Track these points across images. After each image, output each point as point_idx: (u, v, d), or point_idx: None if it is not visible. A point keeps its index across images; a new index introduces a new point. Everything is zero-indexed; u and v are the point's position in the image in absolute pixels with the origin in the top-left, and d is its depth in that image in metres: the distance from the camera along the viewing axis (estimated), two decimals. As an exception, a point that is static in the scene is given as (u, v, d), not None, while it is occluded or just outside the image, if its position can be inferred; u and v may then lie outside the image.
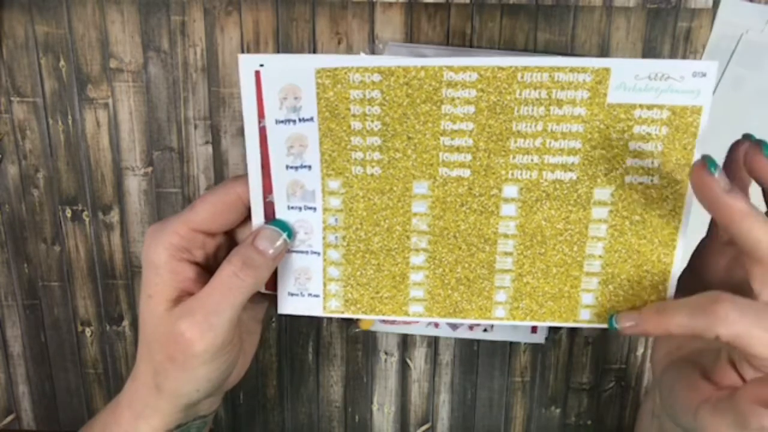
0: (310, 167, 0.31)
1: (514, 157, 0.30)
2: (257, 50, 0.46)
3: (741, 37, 0.44)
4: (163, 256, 0.31)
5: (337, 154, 0.31)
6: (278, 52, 0.46)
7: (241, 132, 0.47)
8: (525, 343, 0.52)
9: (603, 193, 0.31)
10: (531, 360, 0.52)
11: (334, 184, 0.31)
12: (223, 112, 0.47)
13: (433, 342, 0.52)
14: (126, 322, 0.52)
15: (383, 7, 0.45)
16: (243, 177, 0.32)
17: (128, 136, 0.48)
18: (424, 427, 0.54)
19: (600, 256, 0.32)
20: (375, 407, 0.54)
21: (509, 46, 0.45)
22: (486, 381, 0.53)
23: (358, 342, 0.52)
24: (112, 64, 0.46)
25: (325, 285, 0.33)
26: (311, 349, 0.52)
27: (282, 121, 0.30)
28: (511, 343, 0.52)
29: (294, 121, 0.30)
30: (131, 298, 0.51)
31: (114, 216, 0.49)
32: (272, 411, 0.54)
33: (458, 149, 0.30)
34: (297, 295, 0.33)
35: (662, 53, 0.45)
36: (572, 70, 0.29)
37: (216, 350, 0.31)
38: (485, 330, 0.51)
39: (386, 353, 0.52)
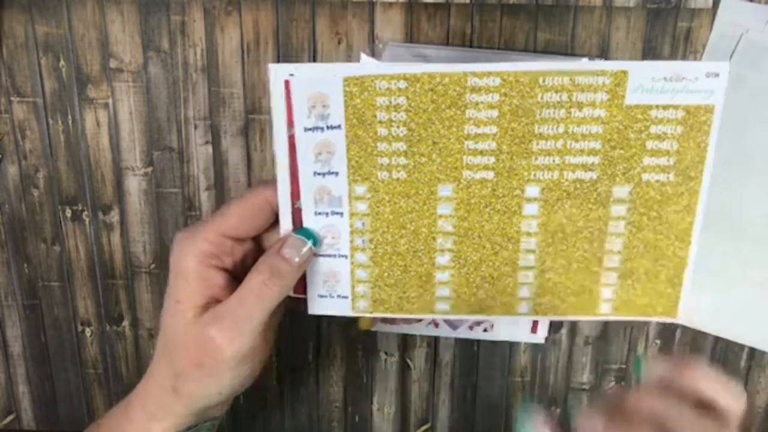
0: (337, 173, 0.32)
1: (536, 159, 0.31)
2: (257, 50, 0.46)
3: (741, 37, 0.44)
4: (193, 262, 0.32)
5: (364, 160, 0.32)
6: (278, 52, 0.46)
7: (240, 132, 0.47)
8: (525, 343, 0.52)
9: (622, 191, 0.32)
10: (531, 360, 0.52)
11: (360, 189, 0.32)
12: (223, 112, 0.47)
13: (433, 342, 0.52)
14: (126, 322, 0.52)
15: (383, 7, 0.45)
16: (271, 183, 0.33)
17: (128, 136, 0.48)
18: (424, 427, 0.54)
19: (618, 252, 0.33)
20: (375, 407, 0.54)
21: (509, 46, 0.45)
22: (486, 381, 0.53)
23: (358, 342, 0.52)
24: (112, 64, 0.46)
25: (353, 286, 0.34)
26: (311, 349, 0.52)
27: (310, 129, 0.31)
28: (511, 343, 0.52)
29: (322, 129, 0.31)
30: (131, 298, 0.51)
31: (114, 216, 0.49)
32: (272, 411, 0.54)
33: (482, 152, 0.31)
34: (326, 296, 0.34)
35: (662, 53, 0.45)
36: (592, 73, 0.30)
37: (243, 356, 0.31)
38: (485, 330, 0.51)
39: (386, 353, 0.52)
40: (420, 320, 0.50)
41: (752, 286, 0.48)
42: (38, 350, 0.53)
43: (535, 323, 0.51)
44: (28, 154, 0.48)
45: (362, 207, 0.33)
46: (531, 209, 0.32)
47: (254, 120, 0.47)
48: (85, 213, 0.49)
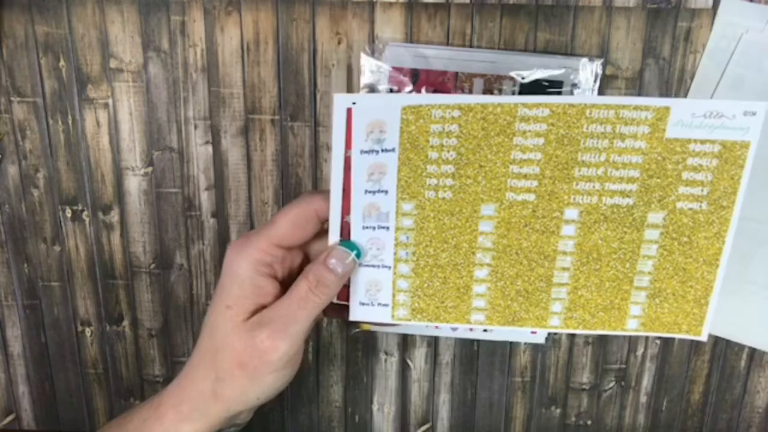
0: (386, 192, 0.34)
1: (577, 184, 0.33)
2: (257, 50, 0.46)
3: (741, 37, 0.44)
4: (248, 270, 0.33)
5: (413, 180, 0.34)
6: (278, 52, 0.46)
7: (240, 132, 0.47)
8: (525, 343, 0.52)
9: (656, 217, 0.34)
10: (531, 360, 0.52)
11: (407, 206, 0.34)
12: (223, 112, 0.47)
13: (433, 342, 0.52)
14: (126, 322, 0.52)
15: (383, 7, 0.45)
16: (318, 193, 0.35)
17: (128, 136, 0.48)
18: (424, 427, 0.54)
19: (649, 273, 0.35)
20: (375, 407, 0.54)
21: (509, 46, 0.45)
22: (486, 381, 0.53)
23: (358, 342, 0.52)
24: (112, 64, 0.46)
25: (394, 295, 0.36)
26: (311, 349, 0.52)
27: (366, 152, 0.33)
28: (511, 343, 0.52)
29: (377, 152, 0.33)
30: (131, 298, 0.51)
31: (114, 216, 0.49)
32: (272, 411, 0.54)
33: (525, 176, 0.33)
34: (368, 304, 0.36)
35: (662, 53, 0.45)
36: (636, 108, 0.32)
37: (288, 359, 0.33)
38: (485, 330, 0.51)
39: (386, 353, 0.52)
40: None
41: (752, 286, 0.48)
42: (38, 350, 0.53)
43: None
44: (28, 154, 0.48)
45: (408, 222, 0.35)
46: (569, 230, 0.34)
47: (254, 120, 0.47)
48: (85, 213, 0.49)
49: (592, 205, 0.34)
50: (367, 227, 0.35)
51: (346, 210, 0.34)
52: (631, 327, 0.36)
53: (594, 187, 0.33)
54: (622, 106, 0.32)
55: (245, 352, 0.33)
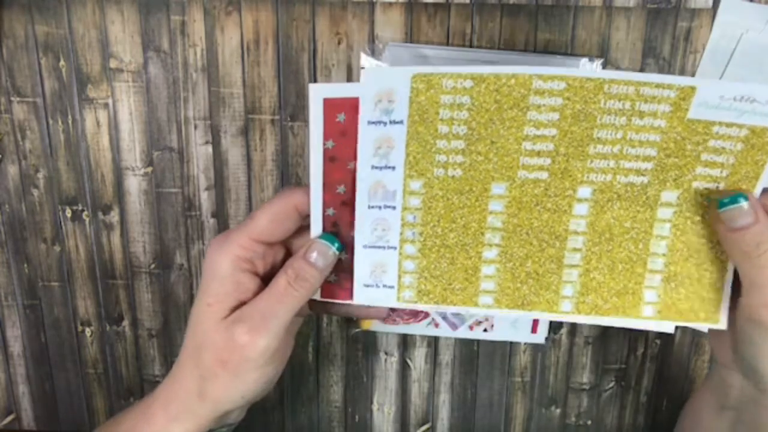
0: (393, 168, 0.33)
1: (591, 162, 0.32)
2: (257, 50, 0.46)
3: (741, 37, 0.44)
4: (228, 267, 0.33)
5: (422, 156, 0.32)
6: (278, 52, 0.46)
7: (240, 132, 0.47)
8: (525, 343, 0.52)
9: (670, 195, 0.33)
10: (531, 360, 0.52)
11: (415, 184, 0.33)
12: (223, 112, 0.47)
13: (433, 342, 0.52)
14: (126, 322, 0.52)
15: (383, 7, 0.45)
16: (298, 188, 0.34)
17: (128, 136, 0.48)
18: (424, 427, 0.54)
19: (663, 254, 0.34)
20: (375, 407, 0.54)
21: (509, 46, 0.45)
22: (486, 381, 0.53)
23: (358, 342, 0.52)
24: (112, 64, 0.46)
25: (399, 277, 0.35)
26: (311, 349, 0.52)
27: (373, 122, 0.32)
28: (511, 343, 0.52)
29: (385, 123, 0.32)
30: (131, 298, 0.51)
31: (114, 216, 0.49)
32: (272, 411, 0.54)
33: (538, 153, 0.32)
34: (372, 286, 0.35)
35: (662, 53, 0.45)
36: (658, 86, 0.30)
37: (269, 355, 0.32)
38: (485, 330, 0.51)
39: (386, 353, 0.52)
40: (423, 318, 0.50)
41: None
42: (38, 350, 0.53)
43: (535, 323, 0.51)
44: (28, 154, 0.48)
45: (415, 202, 0.33)
46: (581, 209, 0.33)
47: (254, 120, 0.47)
48: (85, 213, 0.49)
49: (605, 183, 0.32)
50: (372, 207, 0.33)
51: (327, 203, 0.34)
52: (647, 314, 0.35)
53: (608, 165, 0.32)
54: (643, 83, 0.30)
55: (225, 349, 0.32)
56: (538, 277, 0.34)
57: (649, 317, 0.35)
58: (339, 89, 0.32)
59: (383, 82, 0.31)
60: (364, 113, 0.32)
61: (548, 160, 0.32)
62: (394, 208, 0.34)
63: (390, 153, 0.32)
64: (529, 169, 0.32)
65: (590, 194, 0.33)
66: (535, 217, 0.33)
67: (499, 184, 0.33)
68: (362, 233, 0.34)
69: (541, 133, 0.32)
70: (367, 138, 0.32)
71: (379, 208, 0.34)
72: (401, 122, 0.32)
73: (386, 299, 0.35)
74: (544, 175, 0.32)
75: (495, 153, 0.32)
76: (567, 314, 0.35)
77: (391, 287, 0.35)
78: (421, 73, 0.31)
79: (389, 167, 0.33)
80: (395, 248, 0.34)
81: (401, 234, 0.34)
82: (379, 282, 0.35)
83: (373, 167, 0.33)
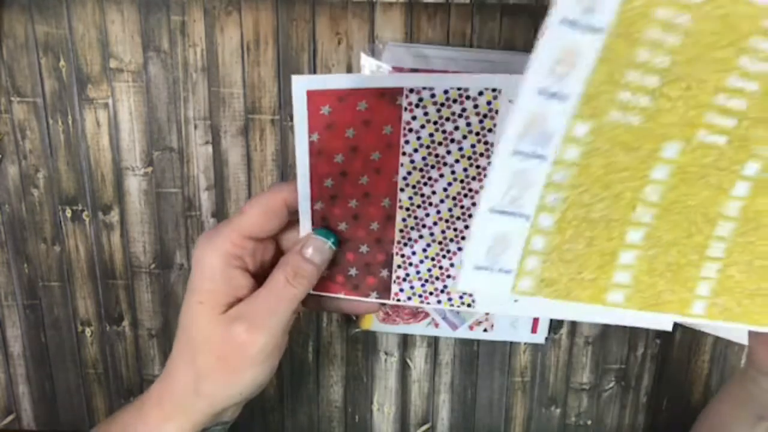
0: (566, 98, 0.25)
1: None
2: (257, 50, 0.46)
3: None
4: (217, 263, 0.33)
5: (605, 88, 0.25)
6: (278, 52, 0.46)
7: (240, 132, 0.47)
8: (525, 343, 0.52)
9: None
10: (531, 360, 0.52)
11: (582, 128, 0.26)
12: (223, 112, 0.47)
13: (433, 342, 0.52)
14: (126, 322, 0.52)
15: (383, 7, 0.45)
16: (286, 183, 0.34)
17: (128, 136, 0.48)
18: (424, 427, 0.54)
19: None
20: (375, 407, 0.54)
21: (509, 46, 0.45)
22: (486, 381, 0.53)
23: (358, 342, 0.52)
24: (112, 64, 0.46)
25: (523, 257, 0.28)
26: (311, 349, 0.52)
27: (569, 22, 0.23)
28: (511, 343, 0.52)
29: (581, 27, 0.24)
30: (131, 298, 0.51)
31: (114, 216, 0.49)
32: (272, 411, 0.54)
33: (728, 112, 0.26)
34: (485, 269, 0.28)
35: (662, 53, 0.45)
36: None
37: (268, 352, 0.32)
38: (485, 330, 0.51)
39: (386, 353, 0.52)
40: (423, 318, 0.50)
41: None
42: (38, 350, 0.53)
43: (535, 323, 0.51)
44: (28, 154, 0.48)
45: (573, 153, 0.26)
46: (741, 189, 0.28)
47: (254, 120, 0.47)
48: (85, 213, 0.49)
49: None
50: (518, 152, 0.25)
51: (315, 197, 0.33)
52: None
53: None
54: None
55: (224, 346, 0.32)
56: (677, 270, 0.29)
57: None
58: (322, 81, 0.31)
59: None
60: (563, 4, 0.23)
61: (734, 122, 0.26)
62: (544, 158, 0.26)
63: (568, 74, 0.24)
64: (711, 129, 0.26)
65: (755, 172, 0.27)
66: (695, 194, 0.28)
67: (672, 143, 0.26)
68: (493, 191, 0.26)
69: (742, 87, 0.26)
70: (552, 44, 0.24)
71: (526, 156, 0.26)
72: (600, 30, 0.24)
73: (499, 287, 0.28)
74: (723, 140, 0.27)
75: (685, 101, 0.26)
76: (697, 317, 0.30)
77: (509, 272, 0.28)
78: None
79: (561, 96, 0.25)
80: (528, 217, 0.27)
81: (541, 198, 0.27)
82: (494, 264, 0.28)
83: (540, 92, 0.24)
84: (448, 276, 0.35)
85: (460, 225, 0.34)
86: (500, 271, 0.28)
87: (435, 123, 0.32)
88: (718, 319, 0.30)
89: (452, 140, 0.33)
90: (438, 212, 0.34)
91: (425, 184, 0.34)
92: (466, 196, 0.34)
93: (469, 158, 0.33)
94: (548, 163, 0.26)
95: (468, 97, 0.32)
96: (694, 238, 0.28)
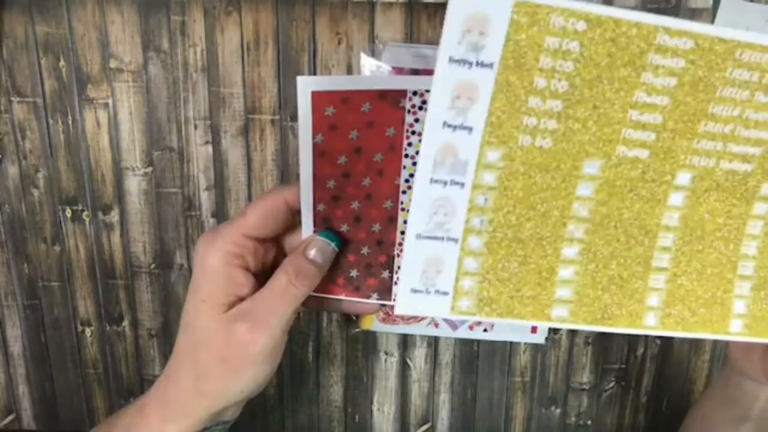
0: (470, 129, 0.26)
1: (698, 142, 0.27)
2: (257, 50, 0.46)
3: (741, 37, 0.44)
4: (219, 262, 0.33)
5: (508, 117, 0.26)
6: (278, 52, 0.46)
7: (240, 132, 0.47)
8: (525, 343, 0.52)
9: None
10: (531, 360, 0.52)
11: (493, 155, 0.26)
12: (223, 112, 0.47)
13: (433, 342, 0.52)
14: (126, 322, 0.52)
15: (383, 7, 0.45)
16: (289, 185, 0.34)
17: (128, 136, 0.48)
18: (424, 427, 0.54)
19: (753, 257, 0.30)
20: (375, 407, 0.54)
21: (509, 46, 0.45)
22: (486, 381, 0.53)
23: (358, 342, 0.52)
24: (112, 64, 0.46)
25: (457, 280, 0.29)
26: (311, 349, 0.52)
27: (457, 61, 0.25)
28: (511, 343, 0.52)
29: (470, 64, 0.25)
30: (131, 298, 0.51)
31: (114, 216, 0.49)
32: (272, 411, 0.54)
33: (644, 126, 0.27)
34: (422, 291, 0.29)
35: (662, 53, 0.45)
36: None
37: (269, 352, 0.33)
38: (485, 330, 0.51)
39: (386, 353, 0.52)
40: (423, 318, 0.50)
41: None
42: (38, 350, 0.53)
43: (534, 323, 0.51)
44: (28, 154, 0.48)
45: (490, 178, 0.27)
46: (676, 199, 0.28)
47: (254, 120, 0.47)
48: (85, 213, 0.49)
49: (707, 169, 0.28)
50: (436, 181, 0.27)
51: (317, 199, 0.33)
52: (735, 330, 0.30)
53: (716, 147, 0.27)
54: None
55: (226, 346, 0.32)
56: (622, 283, 0.29)
57: (738, 333, 0.30)
58: (327, 82, 0.31)
59: (477, 3, 0.24)
60: (446, 46, 0.24)
61: (653, 135, 0.27)
62: (462, 185, 0.27)
63: (469, 108, 0.25)
64: (630, 145, 0.27)
65: (689, 181, 0.28)
66: (627, 207, 0.28)
67: (592, 161, 0.27)
68: (418, 217, 0.27)
69: (652, 101, 0.26)
70: (444, 81, 0.25)
71: (444, 184, 0.27)
72: (491, 66, 0.25)
73: (438, 309, 0.29)
74: (645, 153, 0.27)
75: (596, 121, 0.26)
76: (651, 329, 0.30)
77: (446, 293, 0.29)
78: (526, 2, 0.24)
79: (465, 127, 0.26)
80: (456, 240, 0.28)
81: (466, 221, 0.27)
82: (431, 287, 0.29)
83: (445, 125, 0.26)
84: None
85: None
86: (437, 293, 0.29)
87: None
88: (674, 329, 0.30)
89: None
90: None
91: None
92: None
93: None
94: (467, 189, 0.27)
95: None
96: (635, 249, 0.29)
